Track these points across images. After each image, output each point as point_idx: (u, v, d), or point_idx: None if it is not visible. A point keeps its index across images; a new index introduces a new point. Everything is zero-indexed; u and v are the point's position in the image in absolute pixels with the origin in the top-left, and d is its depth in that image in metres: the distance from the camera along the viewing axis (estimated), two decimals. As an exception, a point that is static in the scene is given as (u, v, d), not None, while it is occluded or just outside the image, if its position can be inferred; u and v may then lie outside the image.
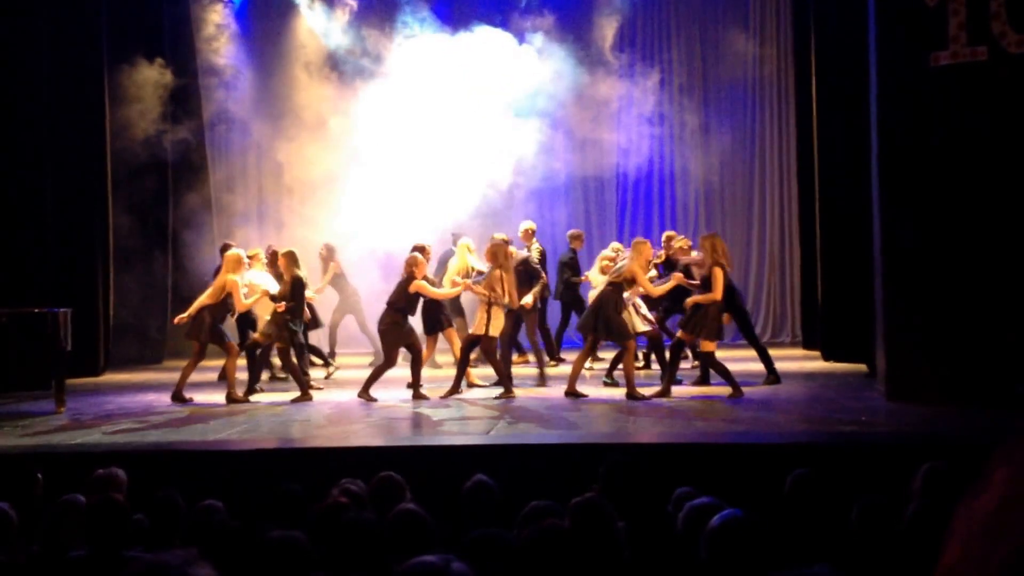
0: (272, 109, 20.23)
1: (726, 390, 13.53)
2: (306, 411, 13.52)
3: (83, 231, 17.61)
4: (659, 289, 14.23)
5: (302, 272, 14.66)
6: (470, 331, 14.56)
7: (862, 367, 15.17)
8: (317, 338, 17.68)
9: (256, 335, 14.92)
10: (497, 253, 14.12)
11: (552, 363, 16.86)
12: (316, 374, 16.18)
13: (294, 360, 14.59)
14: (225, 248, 16.25)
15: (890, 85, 12.76)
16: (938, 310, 12.29)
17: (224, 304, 14.50)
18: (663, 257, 16.14)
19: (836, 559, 4.77)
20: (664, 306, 15.89)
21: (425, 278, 14.35)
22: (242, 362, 14.98)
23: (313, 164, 19.01)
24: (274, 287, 14.88)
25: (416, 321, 14.70)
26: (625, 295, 13.99)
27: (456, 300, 15.71)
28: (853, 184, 15.30)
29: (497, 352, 14.24)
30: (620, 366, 14.23)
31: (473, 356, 15.04)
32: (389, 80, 18.94)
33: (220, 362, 17.03)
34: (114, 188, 18.20)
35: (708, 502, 5.33)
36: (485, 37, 18.63)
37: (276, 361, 15.89)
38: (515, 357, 16.51)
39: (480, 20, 19.17)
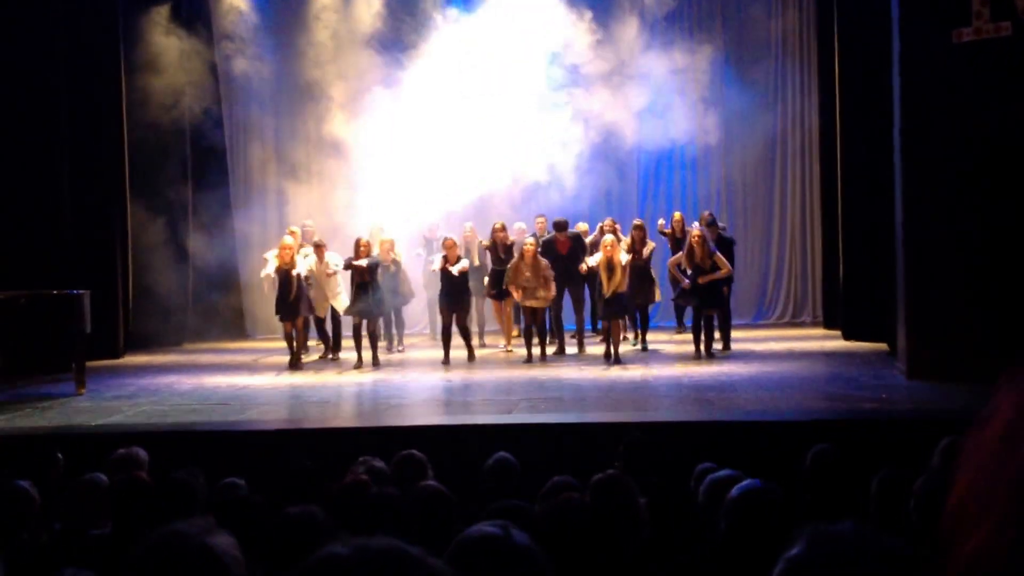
0: (294, 82, 20.08)
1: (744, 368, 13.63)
2: (327, 392, 13.57)
3: (101, 211, 17.52)
4: None
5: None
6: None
7: (883, 346, 15.11)
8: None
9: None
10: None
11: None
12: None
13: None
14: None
15: (913, 62, 12.69)
16: (959, 288, 12.24)
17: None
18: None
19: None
20: None
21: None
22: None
23: (337, 140, 18.92)
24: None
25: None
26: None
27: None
28: (875, 162, 15.23)
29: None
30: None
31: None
32: (420, 52, 18.79)
33: (235, 344, 17.08)
34: (131, 167, 18.12)
35: (729, 474, 5.31)
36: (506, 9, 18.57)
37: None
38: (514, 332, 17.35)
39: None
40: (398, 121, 18.50)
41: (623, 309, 15.58)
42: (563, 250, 16.51)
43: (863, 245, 16.33)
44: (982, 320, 12.00)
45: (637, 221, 16.93)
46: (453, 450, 8.91)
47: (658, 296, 16.91)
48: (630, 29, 18.89)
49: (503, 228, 16.93)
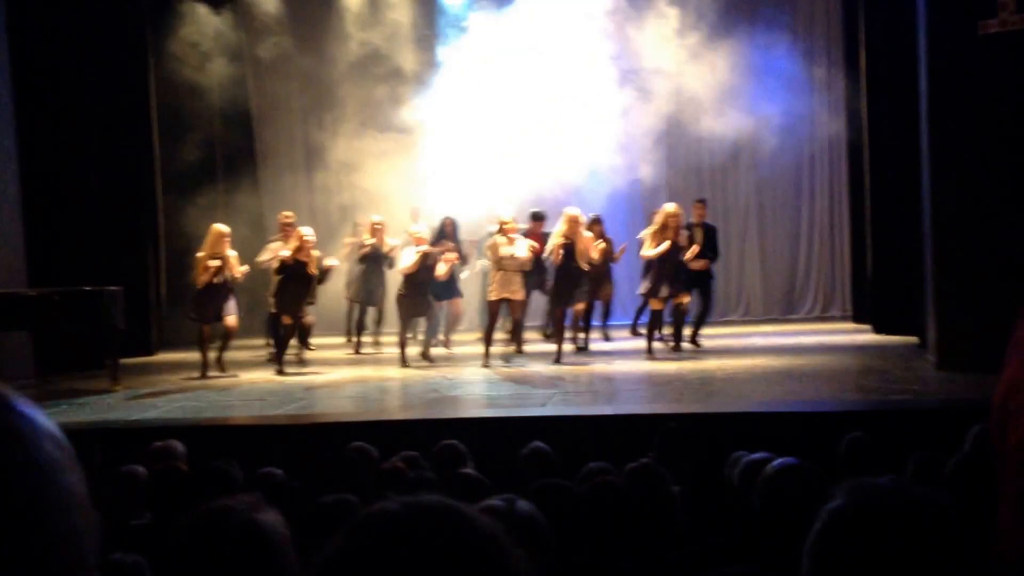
0: (325, 68, 19.86)
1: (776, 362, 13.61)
2: (361, 387, 13.62)
3: (134, 207, 17.66)
4: None
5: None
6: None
7: (913, 339, 15.06)
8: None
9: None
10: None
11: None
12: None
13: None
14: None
15: (940, 54, 12.67)
16: (989, 279, 12.22)
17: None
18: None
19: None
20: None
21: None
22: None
23: (366, 131, 18.77)
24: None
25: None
26: None
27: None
28: (903, 154, 15.19)
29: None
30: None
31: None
32: (462, 35, 18.69)
33: (267, 339, 16.99)
34: (162, 163, 18.20)
35: (764, 457, 5.34)
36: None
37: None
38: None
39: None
40: (435, 105, 18.33)
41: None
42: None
43: (892, 238, 16.28)
44: (1012, 311, 11.93)
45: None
46: (489, 442, 8.95)
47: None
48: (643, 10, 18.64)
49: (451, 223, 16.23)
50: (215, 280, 14.73)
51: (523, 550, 1.43)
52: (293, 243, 14.77)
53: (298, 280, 14.73)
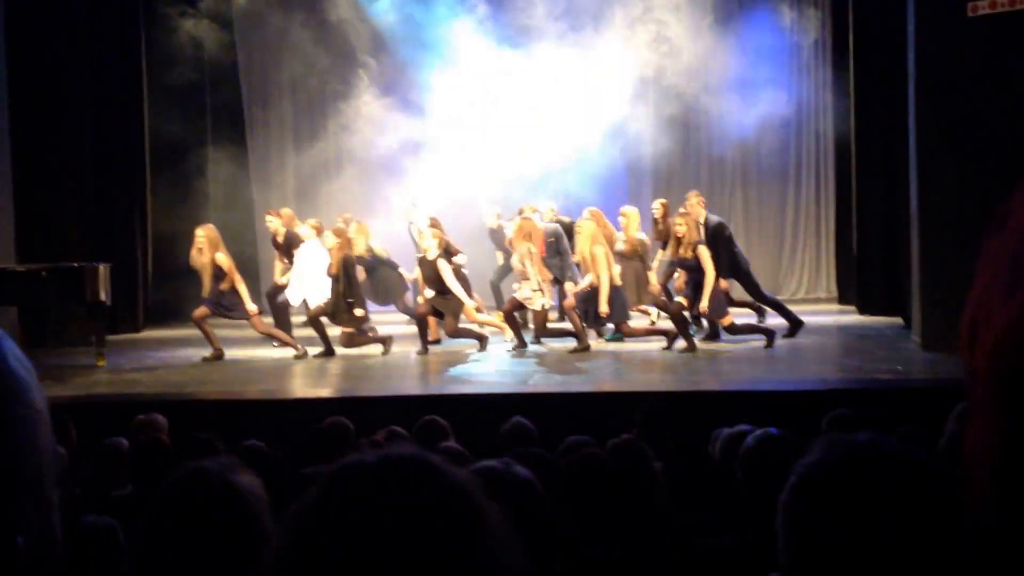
0: (318, 49, 19.41)
1: (760, 342, 13.54)
2: (346, 364, 13.61)
3: (122, 188, 17.60)
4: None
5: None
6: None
7: (898, 320, 15.09)
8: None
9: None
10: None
11: None
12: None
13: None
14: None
15: (929, 35, 12.67)
16: (974, 260, 12.19)
17: None
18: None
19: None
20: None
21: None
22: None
23: (362, 122, 18.47)
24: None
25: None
26: None
27: None
28: (890, 136, 15.20)
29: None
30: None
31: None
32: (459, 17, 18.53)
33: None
34: (152, 142, 18.13)
35: (744, 429, 5.35)
36: None
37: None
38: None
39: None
40: (428, 91, 18.18)
41: None
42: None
43: (877, 219, 16.31)
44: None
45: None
46: (472, 419, 8.95)
47: None
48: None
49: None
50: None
51: (516, 513, 1.44)
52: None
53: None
